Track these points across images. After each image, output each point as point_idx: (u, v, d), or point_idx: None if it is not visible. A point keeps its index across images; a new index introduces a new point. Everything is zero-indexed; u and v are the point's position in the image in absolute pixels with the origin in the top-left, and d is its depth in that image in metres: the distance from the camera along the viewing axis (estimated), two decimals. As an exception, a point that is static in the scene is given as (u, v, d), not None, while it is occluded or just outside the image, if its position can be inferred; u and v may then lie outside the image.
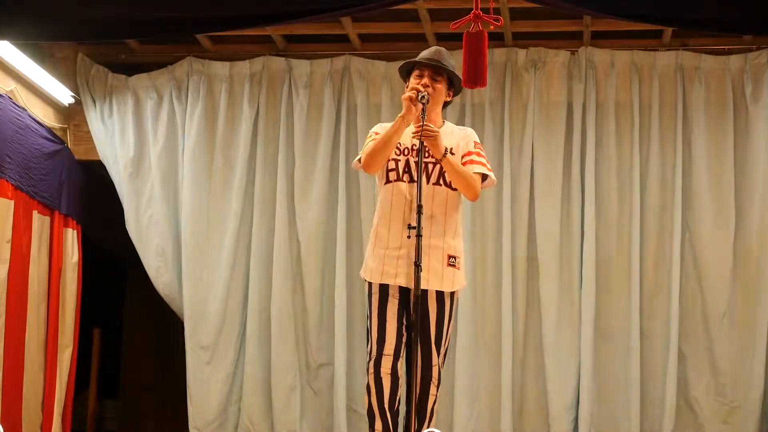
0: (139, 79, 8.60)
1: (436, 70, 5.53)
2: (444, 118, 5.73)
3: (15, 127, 7.78)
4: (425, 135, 5.21)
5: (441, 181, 5.44)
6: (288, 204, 8.35)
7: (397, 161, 5.48)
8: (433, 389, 5.31)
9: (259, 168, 8.42)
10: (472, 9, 5.54)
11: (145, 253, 8.43)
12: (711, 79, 8.15)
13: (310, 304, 8.25)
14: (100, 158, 8.59)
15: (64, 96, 8.49)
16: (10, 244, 7.65)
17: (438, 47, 5.69)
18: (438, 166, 5.40)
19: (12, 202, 7.70)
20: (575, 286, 8.05)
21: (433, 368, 5.30)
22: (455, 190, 5.45)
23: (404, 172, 5.46)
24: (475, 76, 5.57)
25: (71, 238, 8.59)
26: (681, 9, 6.03)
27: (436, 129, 5.30)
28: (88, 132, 8.62)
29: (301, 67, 8.49)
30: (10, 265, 7.62)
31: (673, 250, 7.98)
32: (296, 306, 8.26)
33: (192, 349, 8.27)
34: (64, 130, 8.69)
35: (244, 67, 8.53)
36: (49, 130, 8.39)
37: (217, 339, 8.26)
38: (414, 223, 5.11)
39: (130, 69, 8.68)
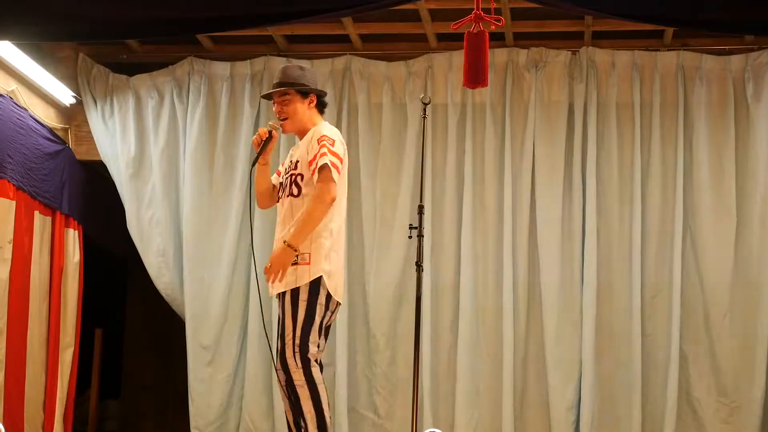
0: (140, 79, 8.60)
1: (280, 92, 5.70)
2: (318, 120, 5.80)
3: (16, 127, 7.78)
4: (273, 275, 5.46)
5: (288, 193, 5.61)
6: (289, 203, 8.34)
7: (280, 184, 5.76)
8: None
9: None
10: (473, 9, 5.55)
11: (147, 253, 8.44)
12: (712, 79, 8.15)
13: (311, 303, 8.24)
14: (101, 158, 8.60)
15: (66, 96, 8.49)
16: (11, 245, 7.65)
17: (283, 66, 5.84)
18: (288, 181, 5.63)
19: (13, 202, 7.70)
20: (576, 286, 8.05)
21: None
22: (297, 196, 5.56)
23: (280, 193, 5.74)
24: (476, 76, 5.58)
25: (72, 238, 8.59)
26: (682, 9, 6.02)
27: (270, 264, 5.47)
28: (89, 132, 8.62)
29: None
30: (11, 265, 7.62)
31: (674, 249, 7.98)
32: (297, 305, 8.25)
33: (193, 349, 8.27)
34: (65, 130, 8.69)
35: (245, 67, 8.53)
36: (51, 130, 8.40)
37: (218, 339, 8.26)
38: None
39: (131, 69, 8.68)
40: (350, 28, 8.15)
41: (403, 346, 8.04)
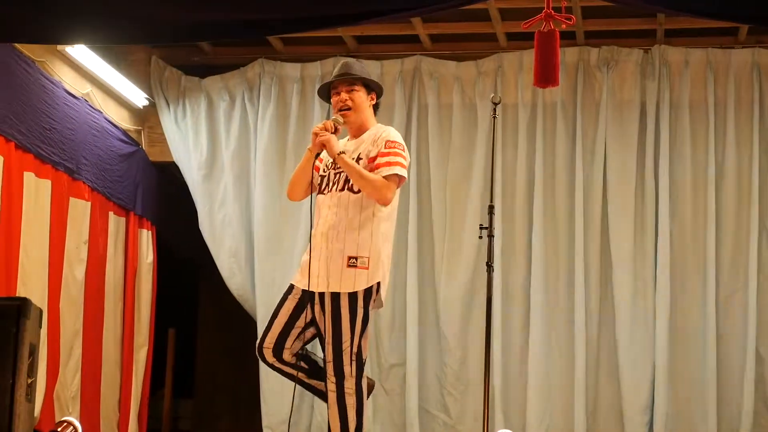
0: (212, 81, 8.68)
1: (349, 82, 5.57)
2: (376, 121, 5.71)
3: (91, 129, 7.90)
4: (318, 140, 5.38)
5: (345, 188, 5.46)
6: (359, 204, 8.36)
7: (322, 176, 5.59)
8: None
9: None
10: (543, 8, 5.51)
11: (219, 254, 8.51)
12: (788, 77, 8.03)
13: (382, 303, 8.26)
14: (174, 160, 8.69)
15: (139, 98, 8.60)
16: (87, 245, 7.77)
17: (346, 60, 5.74)
18: (344, 175, 5.46)
19: (89, 203, 7.82)
20: (649, 286, 7.97)
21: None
22: (357, 192, 5.42)
23: (323, 186, 5.58)
24: (547, 75, 5.53)
25: (146, 239, 8.71)
26: (758, 6, 5.93)
27: (327, 133, 5.38)
28: (162, 134, 8.73)
29: (372, 67, 8.49)
30: (87, 266, 7.75)
31: (750, 249, 7.87)
32: (368, 306, 8.27)
33: (265, 349, 8.31)
34: (138, 131, 8.80)
35: (315, 68, 8.57)
36: (124, 132, 8.51)
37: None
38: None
39: (203, 71, 8.76)
40: (420, 28, 8.15)
41: (474, 346, 8.02)
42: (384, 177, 5.37)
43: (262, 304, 8.35)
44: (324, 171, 5.59)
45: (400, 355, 8.16)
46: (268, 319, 5.54)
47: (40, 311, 5.33)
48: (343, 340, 5.24)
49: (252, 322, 8.48)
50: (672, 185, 8.03)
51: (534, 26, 5.53)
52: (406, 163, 5.46)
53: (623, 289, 7.97)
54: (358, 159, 5.48)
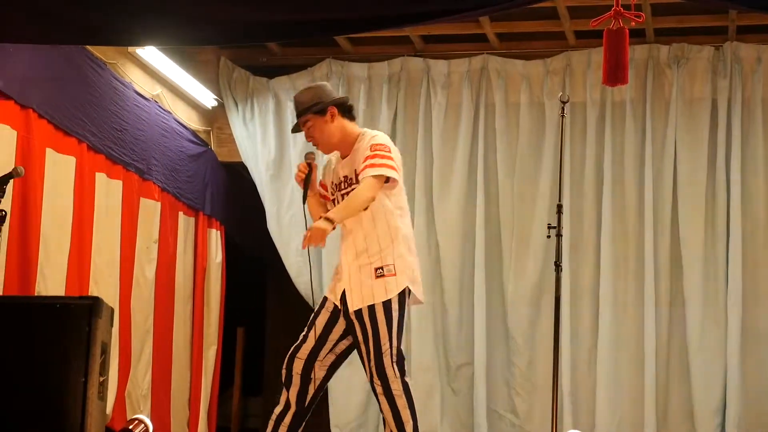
0: (280, 82, 8.73)
1: (302, 120, 5.45)
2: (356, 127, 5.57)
3: (161, 130, 7.98)
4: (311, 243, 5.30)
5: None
6: (426, 203, 8.37)
7: (333, 200, 5.55)
8: None
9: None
10: (612, 5, 5.46)
11: (286, 253, 8.55)
12: None
13: (449, 303, 8.25)
14: (242, 160, 8.75)
15: (208, 99, 8.67)
16: (157, 245, 7.86)
17: (295, 95, 5.61)
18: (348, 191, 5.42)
19: (159, 203, 7.90)
20: (721, 286, 7.87)
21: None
22: (366, 209, 5.35)
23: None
24: (616, 73, 5.47)
25: (215, 239, 8.78)
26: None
27: (309, 232, 5.29)
28: (231, 134, 8.79)
29: (439, 67, 8.49)
30: (157, 265, 7.83)
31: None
32: (435, 305, 8.27)
33: (333, 349, 8.34)
34: (207, 132, 8.88)
35: (382, 68, 8.58)
36: (193, 132, 8.59)
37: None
38: None
39: (271, 71, 8.81)
40: (487, 27, 8.12)
41: (542, 346, 7.97)
42: (365, 179, 5.30)
43: (330, 304, 8.36)
44: (332, 194, 5.57)
45: (467, 355, 8.14)
46: (305, 329, 5.52)
47: (112, 310, 5.39)
48: (383, 345, 5.25)
49: (320, 322, 8.49)
50: (744, 184, 7.91)
51: (603, 24, 5.48)
52: (389, 163, 5.32)
53: (694, 290, 7.87)
54: (351, 178, 5.43)
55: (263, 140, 8.68)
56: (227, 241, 8.97)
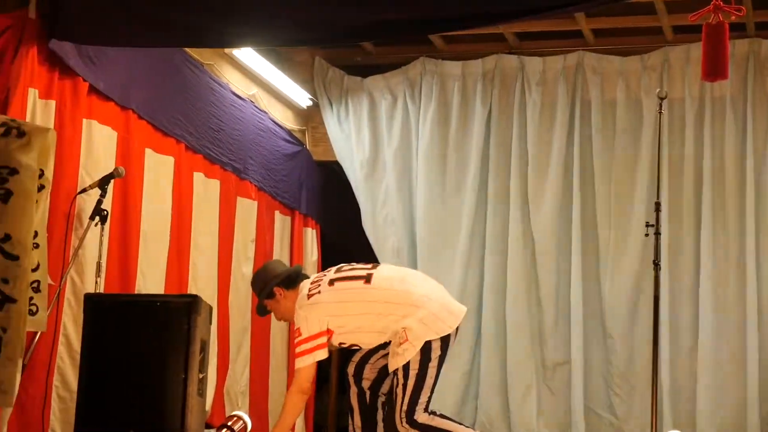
0: (374, 81, 8.75)
1: (262, 311, 5.61)
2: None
3: (257, 130, 8.07)
4: None
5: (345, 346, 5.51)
6: (522, 202, 8.32)
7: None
8: None
9: (492, 167, 8.43)
10: (711, 0, 5.38)
11: (382, 252, 8.57)
12: None
13: (546, 302, 8.19)
14: (337, 159, 8.80)
15: (303, 99, 8.73)
16: (254, 243, 7.94)
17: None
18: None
19: (255, 202, 7.99)
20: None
21: None
22: (354, 345, 5.49)
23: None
24: (716, 68, 5.39)
25: (311, 237, 8.84)
26: None
27: None
28: (325, 133, 8.84)
29: (534, 64, 8.44)
30: (254, 263, 7.90)
31: None
32: (531, 304, 8.22)
33: (429, 346, 8.34)
34: (302, 131, 8.94)
35: (476, 66, 8.55)
36: (289, 132, 8.66)
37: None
38: None
39: (366, 71, 8.84)
40: (582, 23, 8.04)
41: (641, 346, 7.87)
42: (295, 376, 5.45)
43: (425, 302, 8.36)
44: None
45: (564, 354, 8.07)
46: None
47: (210, 308, 5.47)
48: (396, 402, 5.37)
49: (415, 320, 8.50)
50: None
51: (702, 18, 5.40)
52: (306, 347, 5.37)
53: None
54: None
55: (357, 139, 8.72)
56: (323, 240, 9.02)
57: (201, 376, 5.22)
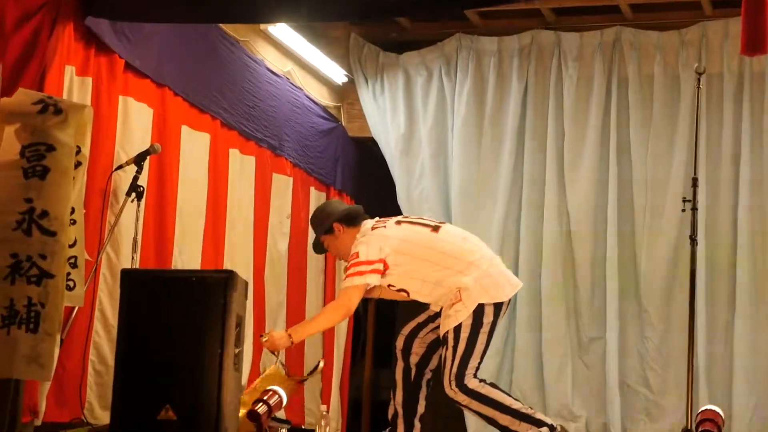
0: (410, 57, 8.74)
1: (318, 248, 5.75)
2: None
3: (292, 106, 8.08)
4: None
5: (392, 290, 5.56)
6: (558, 177, 8.29)
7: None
8: None
9: (528, 142, 8.40)
10: (751, -27, 5.31)
11: (416, 228, 8.56)
12: None
13: (581, 276, 8.17)
14: (372, 135, 8.79)
15: (338, 75, 8.73)
16: (290, 219, 7.97)
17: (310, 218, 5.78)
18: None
19: (291, 178, 8.01)
20: None
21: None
22: (407, 293, 5.53)
23: None
24: (755, 42, 5.32)
25: (346, 213, 8.83)
26: None
27: (270, 338, 5.52)
28: (361, 110, 8.84)
29: (570, 39, 8.39)
30: (290, 239, 7.94)
31: None
32: (566, 279, 8.20)
33: (463, 321, 8.34)
34: (337, 108, 8.94)
35: (512, 41, 8.51)
36: (324, 108, 8.66)
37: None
38: None
39: (401, 47, 8.82)
40: (620, -3, 7.99)
41: (676, 321, 7.83)
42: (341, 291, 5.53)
43: (461, 278, 8.36)
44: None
45: (599, 329, 8.04)
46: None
47: (246, 283, 5.47)
48: (446, 366, 5.41)
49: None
50: None
51: (741, -9, 5.33)
52: (360, 269, 5.44)
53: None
54: None
55: (393, 115, 8.71)
56: (357, 216, 9.02)
57: (237, 350, 5.23)
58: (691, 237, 5.81)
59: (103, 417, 5.68)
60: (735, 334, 7.76)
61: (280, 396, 4.65)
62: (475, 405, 5.36)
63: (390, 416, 5.66)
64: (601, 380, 7.98)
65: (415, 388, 5.62)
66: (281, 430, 6.93)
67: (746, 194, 7.85)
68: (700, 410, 4.40)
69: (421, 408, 5.60)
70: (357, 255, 5.44)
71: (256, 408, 4.52)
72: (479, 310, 5.37)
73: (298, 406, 7.94)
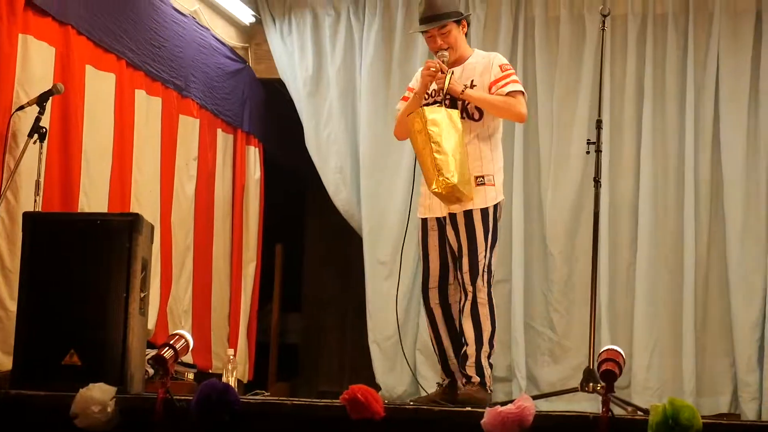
0: (318, -5, 8.65)
1: (440, 25, 5.58)
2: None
3: (199, 46, 7.97)
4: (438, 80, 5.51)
5: (464, 115, 5.55)
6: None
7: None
8: None
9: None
10: None
11: (325, 170, 8.55)
12: None
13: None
14: (280, 76, 8.72)
15: (245, 15, 8.63)
16: (196, 162, 7.89)
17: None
18: (461, 102, 5.55)
19: (197, 120, 7.92)
20: (762, 202, 7.79)
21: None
22: (478, 120, 5.55)
23: None
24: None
25: (254, 156, 8.80)
26: None
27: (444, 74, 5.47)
28: (269, 50, 8.75)
29: (475, -20, 8.38)
30: (197, 182, 7.87)
31: None
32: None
33: (371, 265, 8.38)
34: (245, 49, 8.85)
35: (421, -20, 8.46)
36: (231, 49, 8.56)
37: (395, 255, 8.29)
38: None
39: (310, -14, 8.73)
40: (527, -61, 7.99)
41: (580, 263, 7.95)
42: (509, 95, 5.55)
43: (368, 220, 8.39)
44: (426, 100, 5.66)
45: (505, 272, 8.11)
46: (422, 261, 5.74)
47: (152, 227, 5.44)
48: (479, 253, 5.45)
49: (358, 237, 8.54)
50: (788, 98, 7.80)
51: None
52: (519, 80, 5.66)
53: (734, 206, 7.80)
54: (472, 86, 5.59)
55: (301, 56, 8.64)
56: (265, 158, 8.98)
57: (143, 294, 5.21)
58: (595, 179, 5.87)
59: (5, 362, 5.59)
60: (636, 275, 7.91)
61: (186, 340, 4.63)
62: (485, 310, 5.45)
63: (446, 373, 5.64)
64: (506, 323, 8.05)
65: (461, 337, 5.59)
66: (188, 375, 6.94)
67: (649, 136, 7.97)
68: (602, 350, 4.47)
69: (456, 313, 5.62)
70: (510, 66, 5.63)
71: (162, 352, 4.49)
72: (495, 209, 5.55)
73: (204, 351, 7.92)
